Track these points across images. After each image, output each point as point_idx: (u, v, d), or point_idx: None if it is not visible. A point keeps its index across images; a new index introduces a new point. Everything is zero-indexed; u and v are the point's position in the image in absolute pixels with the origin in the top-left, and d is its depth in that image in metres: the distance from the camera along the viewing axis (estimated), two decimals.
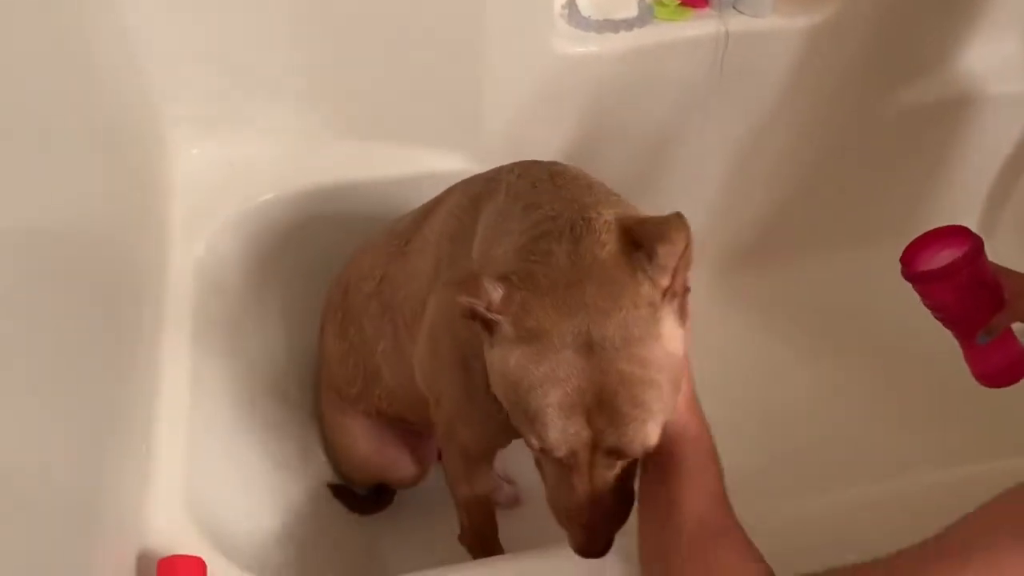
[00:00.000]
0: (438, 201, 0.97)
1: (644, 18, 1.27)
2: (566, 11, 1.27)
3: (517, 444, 0.78)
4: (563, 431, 0.64)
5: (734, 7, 1.29)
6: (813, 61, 1.33)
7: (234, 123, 1.20)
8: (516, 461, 1.16)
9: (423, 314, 0.91)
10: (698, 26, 1.28)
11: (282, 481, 1.15)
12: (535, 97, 1.25)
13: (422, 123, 1.24)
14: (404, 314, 0.97)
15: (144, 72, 1.07)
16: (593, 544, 0.71)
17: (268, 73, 1.17)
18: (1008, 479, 0.61)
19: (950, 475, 0.97)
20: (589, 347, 0.63)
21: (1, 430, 0.57)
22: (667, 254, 0.64)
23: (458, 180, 0.94)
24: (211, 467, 0.97)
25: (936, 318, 0.98)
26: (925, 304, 0.97)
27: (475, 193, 0.86)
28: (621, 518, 0.72)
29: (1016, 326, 0.96)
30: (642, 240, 0.66)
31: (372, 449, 1.18)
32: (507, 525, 1.09)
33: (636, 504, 0.73)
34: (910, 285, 0.97)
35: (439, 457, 1.17)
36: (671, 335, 0.66)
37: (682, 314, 0.67)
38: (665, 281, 0.65)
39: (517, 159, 0.87)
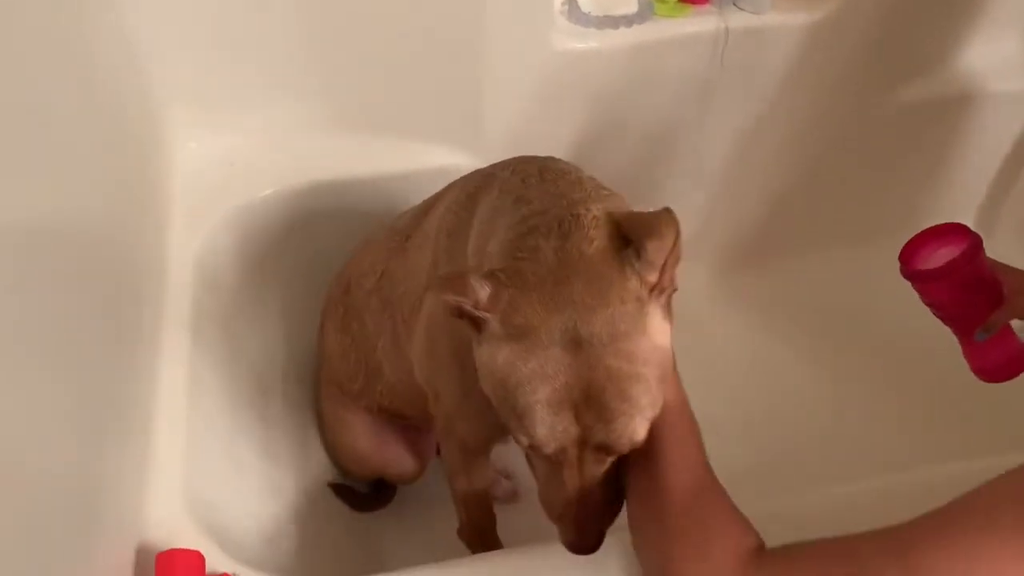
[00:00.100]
0: (438, 197, 0.97)
1: (644, 14, 1.28)
2: (566, 7, 1.27)
3: None
4: (551, 428, 0.65)
5: (734, 3, 1.30)
6: (813, 58, 1.33)
7: (234, 119, 1.20)
8: (515, 456, 1.16)
9: (421, 310, 0.92)
10: (698, 22, 1.28)
11: (281, 477, 1.15)
12: (535, 93, 1.25)
13: (422, 119, 1.24)
14: (403, 310, 0.98)
15: (143, 70, 1.07)
16: (584, 540, 0.71)
17: (267, 70, 1.17)
18: None
19: (950, 471, 0.97)
20: (577, 343, 0.63)
21: (2, 423, 0.57)
22: (656, 249, 0.64)
23: (459, 176, 0.95)
24: (210, 461, 0.98)
25: (935, 315, 0.98)
26: (924, 301, 0.97)
27: (472, 189, 0.86)
28: (612, 514, 0.72)
29: (1014, 322, 0.96)
30: (631, 235, 0.66)
31: (373, 445, 1.18)
32: (505, 520, 1.09)
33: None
34: (908, 283, 0.97)
35: (438, 452, 1.18)
36: (658, 330, 0.66)
37: (667, 311, 0.67)
38: (653, 277, 0.65)
39: (517, 155, 0.88)
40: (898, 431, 1.37)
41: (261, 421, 1.15)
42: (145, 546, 0.83)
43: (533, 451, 0.68)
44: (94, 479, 0.75)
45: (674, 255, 0.65)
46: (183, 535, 0.85)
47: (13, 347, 0.60)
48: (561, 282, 0.65)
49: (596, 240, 0.67)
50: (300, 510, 1.15)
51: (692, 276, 0.68)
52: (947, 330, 0.99)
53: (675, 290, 0.68)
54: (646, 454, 0.71)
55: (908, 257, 0.97)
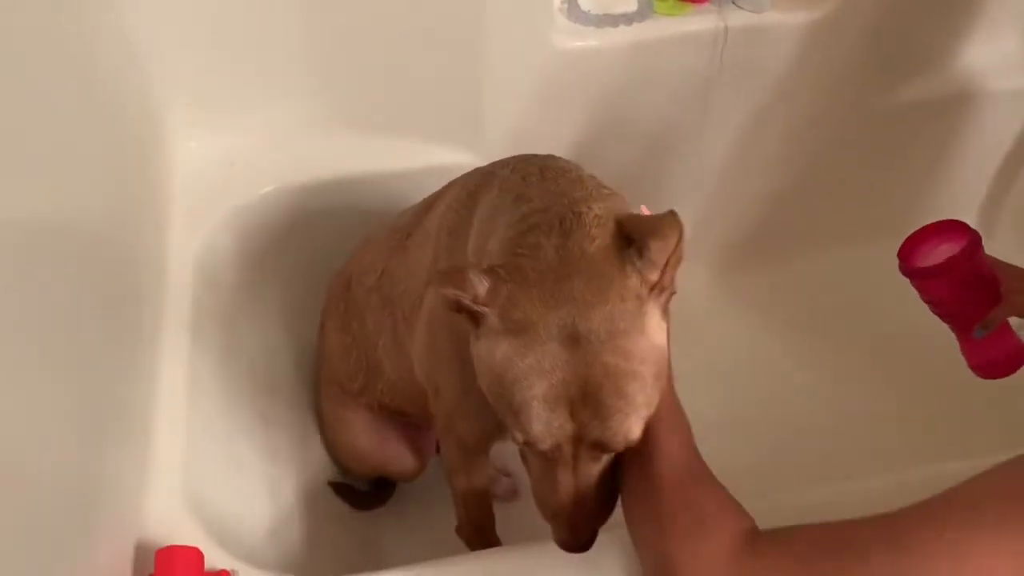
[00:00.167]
0: (438, 195, 0.97)
1: (644, 13, 1.28)
2: (565, 6, 1.27)
3: None
4: (547, 424, 0.65)
5: (733, 2, 1.30)
6: (812, 57, 1.33)
7: (234, 119, 1.20)
8: (514, 454, 1.15)
9: (421, 307, 0.92)
10: (697, 21, 1.28)
11: (281, 475, 1.15)
12: (535, 91, 1.26)
13: (423, 118, 1.24)
14: (403, 308, 0.98)
15: (143, 70, 1.07)
16: (576, 538, 0.71)
17: (267, 70, 1.17)
18: None
19: (949, 470, 0.97)
20: (575, 339, 0.63)
21: (2, 423, 0.58)
22: (659, 249, 0.64)
23: (459, 174, 0.95)
24: (210, 459, 0.98)
25: (933, 312, 0.98)
26: (923, 298, 0.97)
27: (472, 187, 0.86)
28: (605, 514, 0.72)
29: (1012, 320, 0.96)
30: (634, 235, 0.66)
31: (373, 443, 1.18)
32: (505, 517, 1.09)
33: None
34: (908, 281, 0.97)
35: (438, 450, 1.18)
36: (656, 329, 0.66)
37: (665, 312, 0.68)
38: (654, 275, 0.65)
39: (517, 153, 0.88)
40: (898, 430, 1.37)
41: (261, 419, 1.15)
42: (145, 543, 0.83)
43: (528, 447, 0.68)
44: (94, 477, 0.75)
45: (676, 256, 0.65)
46: (183, 532, 0.85)
47: (13, 346, 0.60)
48: (561, 279, 0.65)
49: (598, 238, 0.67)
50: (300, 508, 1.15)
51: (692, 276, 0.68)
52: (946, 329, 0.99)
53: (674, 292, 0.68)
54: (638, 446, 0.71)
55: (907, 254, 0.97)
